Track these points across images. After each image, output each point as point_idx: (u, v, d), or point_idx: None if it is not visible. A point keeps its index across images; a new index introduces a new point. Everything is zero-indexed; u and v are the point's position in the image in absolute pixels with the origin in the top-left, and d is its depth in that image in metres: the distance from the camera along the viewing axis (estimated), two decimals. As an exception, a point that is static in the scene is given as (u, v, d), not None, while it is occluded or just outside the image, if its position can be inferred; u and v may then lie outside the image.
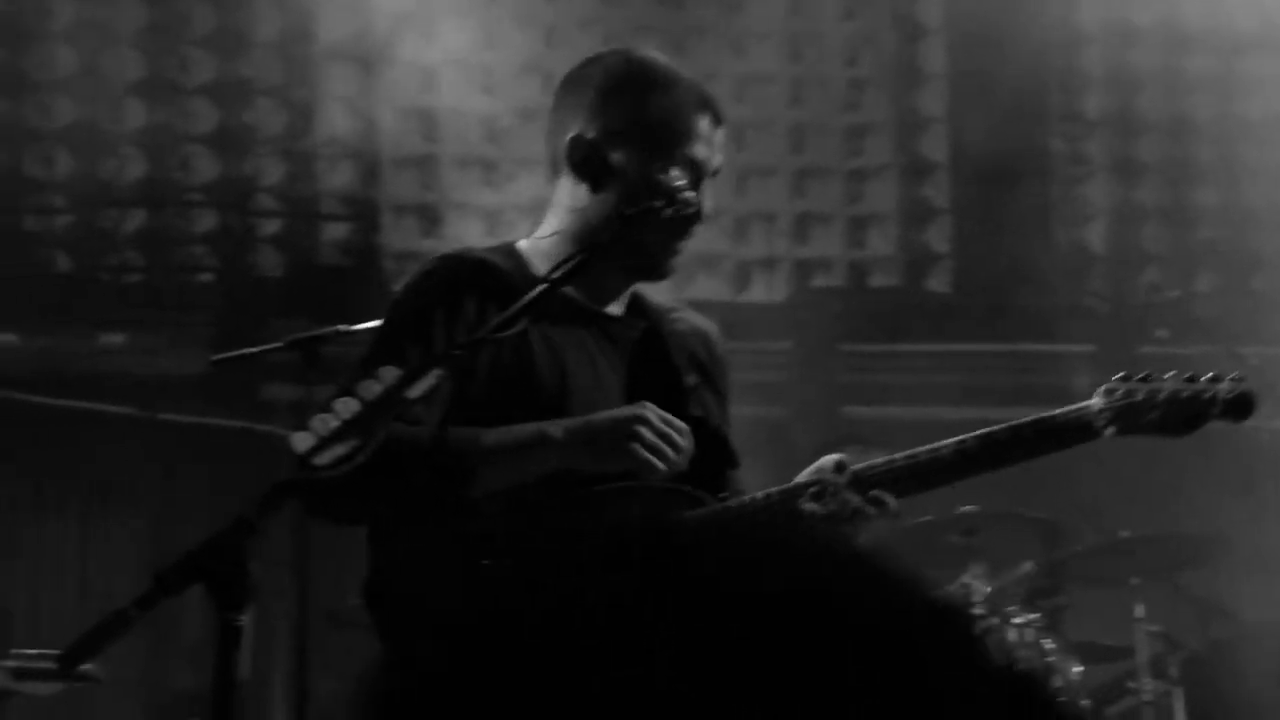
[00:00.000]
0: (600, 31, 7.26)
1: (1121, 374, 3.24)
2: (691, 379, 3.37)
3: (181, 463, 7.05)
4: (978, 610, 5.55)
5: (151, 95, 7.27)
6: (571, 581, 1.11)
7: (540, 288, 3.04)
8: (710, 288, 7.29)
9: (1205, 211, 7.82)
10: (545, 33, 7.40)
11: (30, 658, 4.62)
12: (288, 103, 7.36)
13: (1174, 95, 7.86)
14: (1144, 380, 3.22)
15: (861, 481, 3.18)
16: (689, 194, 3.23)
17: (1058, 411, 3.22)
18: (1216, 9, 7.71)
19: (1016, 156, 7.59)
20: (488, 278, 3.24)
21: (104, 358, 7.20)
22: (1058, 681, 5.62)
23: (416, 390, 2.79)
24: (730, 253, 7.56)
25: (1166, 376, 3.24)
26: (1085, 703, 5.80)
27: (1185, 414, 3.21)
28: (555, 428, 3.12)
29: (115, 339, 7.28)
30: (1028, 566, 5.96)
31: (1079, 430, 3.20)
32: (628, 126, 3.27)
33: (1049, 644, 5.69)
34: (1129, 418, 3.19)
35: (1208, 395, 3.20)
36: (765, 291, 7.63)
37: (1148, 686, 5.97)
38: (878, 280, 7.73)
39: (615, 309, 3.37)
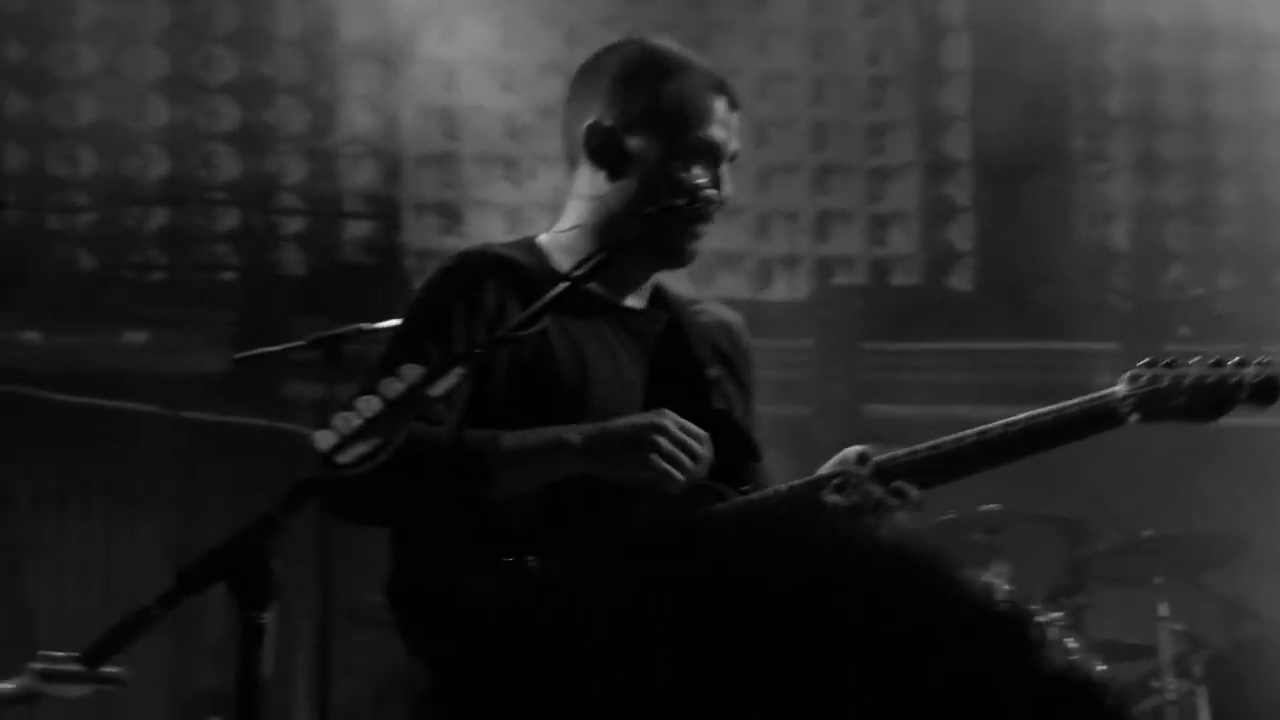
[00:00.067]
0: (622, 29, 7.23)
1: (1146, 360, 3.18)
2: (714, 371, 3.35)
3: (204, 461, 7.06)
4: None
5: (174, 93, 7.28)
6: (595, 578, 1.10)
7: (561, 286, 3.02)
8: (732, 285, 7.27)
9: (1228, 209, 7.79)
10: (566, 30, 7.39)
11: (57, 660, 4.63)
12: (310, 101, 7.36)
13: (1197, 92, 7.83)
14: (1169, 366, 3.16)
15: (884, 473, 3.15)
16: (711, 192, 3.22)
17: (1081, 399, 3.16)
18: (1240, 5, 7.68)
19: (1039, 154, 7.57)
20: (508, 273, 3.22)
21: (127, 356, 7.21)
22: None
23: (439, 388, 2.78)
24: (752, 250, 7.55)
25: (1191, 361, 3.17)
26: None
27: (1211, 399, 3.14)
28: (573, 434, 3.09)
29: (138, 337, 7.29)
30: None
31: (1103, 417, 3.14)
32: (644, 111, 3.26)
33: (1072, 643, 5.68)
34: (1154, 404, 3.13)
35: (1234, 380, 3.13)
36: (787, 289, 7.61)
37: (1171, 686, 5.95)
38: (899, 278, 7.71)
39: (636, 301, 3.35)
